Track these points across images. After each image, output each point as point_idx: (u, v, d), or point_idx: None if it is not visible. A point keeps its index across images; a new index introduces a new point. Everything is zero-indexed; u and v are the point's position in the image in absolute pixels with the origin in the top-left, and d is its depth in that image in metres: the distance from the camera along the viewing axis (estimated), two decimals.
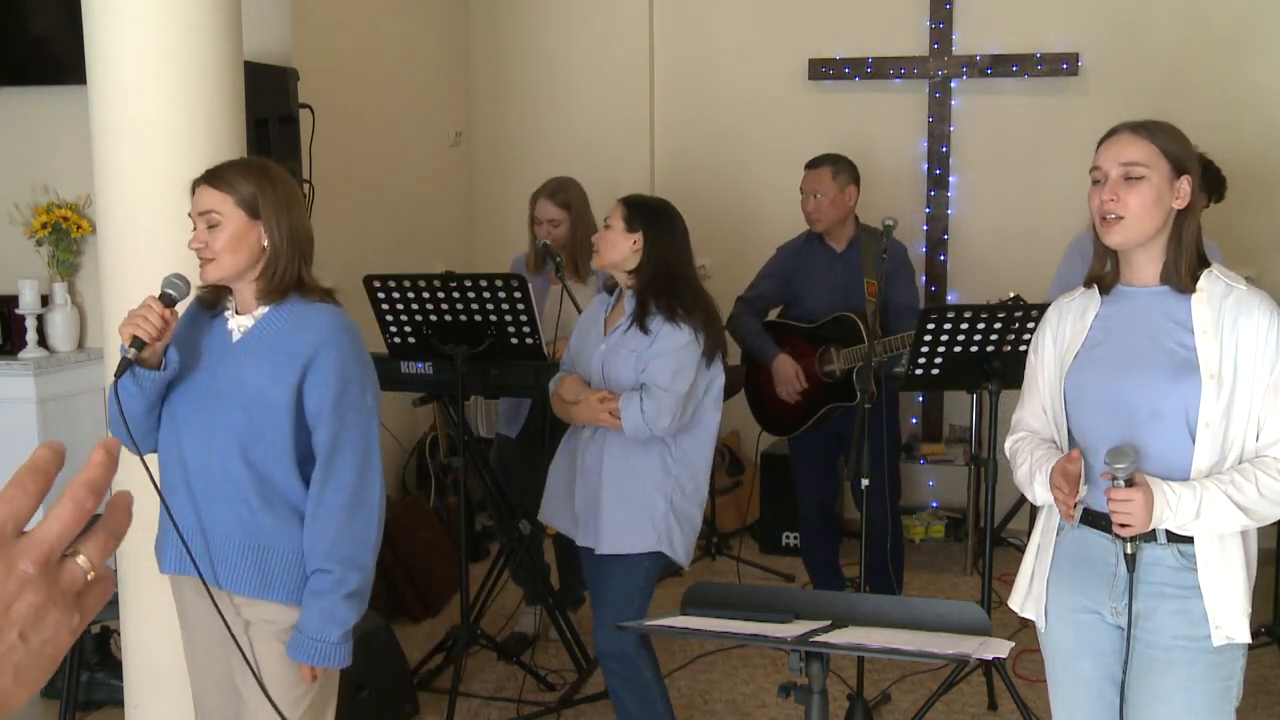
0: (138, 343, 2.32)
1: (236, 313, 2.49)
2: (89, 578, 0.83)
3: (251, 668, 2.44)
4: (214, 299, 2.52)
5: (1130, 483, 2.19)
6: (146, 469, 2.36)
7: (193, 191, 2.45)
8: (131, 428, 2.39)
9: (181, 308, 2.46)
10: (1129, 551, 2.24)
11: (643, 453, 3.16)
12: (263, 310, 2.46)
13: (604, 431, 3.18)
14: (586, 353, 3.30)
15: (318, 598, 2.39)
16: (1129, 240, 2.31)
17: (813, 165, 4.55)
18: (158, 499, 2.42)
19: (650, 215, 3.22)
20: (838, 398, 4.41)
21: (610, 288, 3.37)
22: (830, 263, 4.52)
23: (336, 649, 2.39)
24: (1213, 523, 2.21)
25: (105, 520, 0.85)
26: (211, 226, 2.40)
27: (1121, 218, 2.29)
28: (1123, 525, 2.20)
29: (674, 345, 3.11)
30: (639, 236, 3.19)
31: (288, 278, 2.44)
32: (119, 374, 2.35)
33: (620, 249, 3.19)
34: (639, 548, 3.16)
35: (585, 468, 3.22)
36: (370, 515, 2.43)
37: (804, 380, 4.46)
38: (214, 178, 2.43)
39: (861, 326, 4.32)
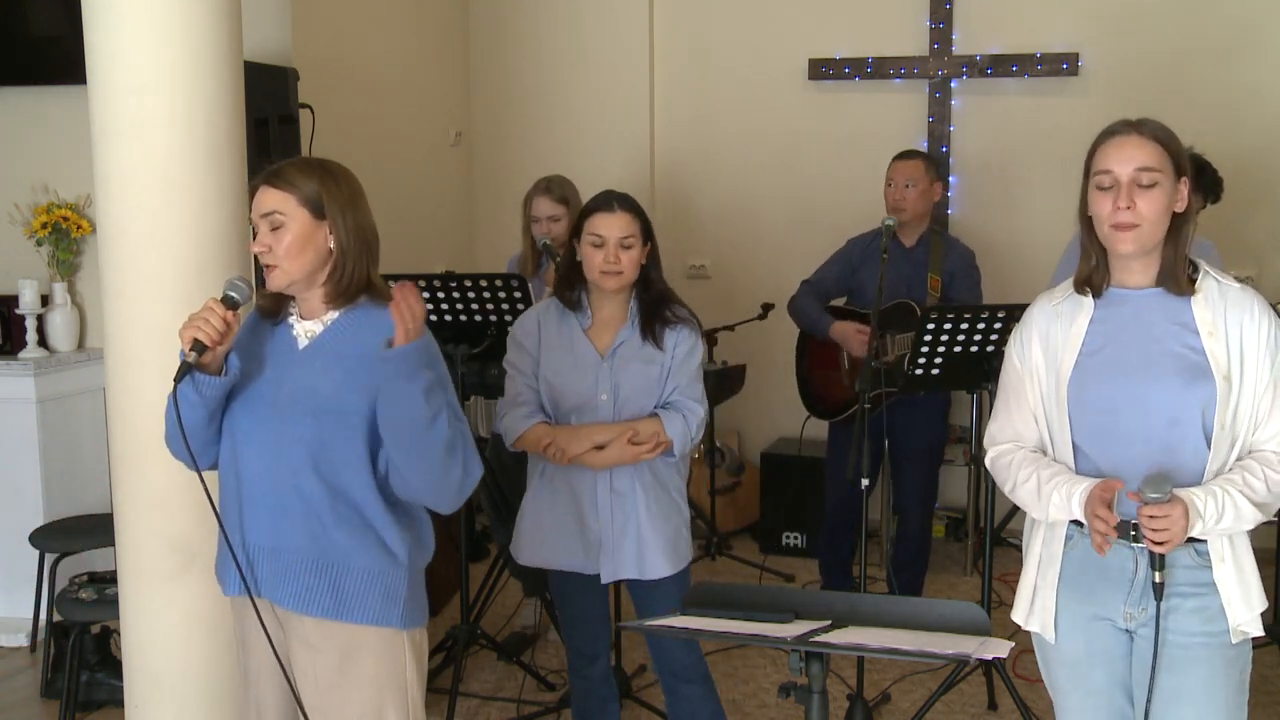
0: (198, 346, 2.18)
1: (301, 318, 2.34)
2: None
3: (295, 692, 2.32)
4: (274, 307, 2.37)
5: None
6: (205, 488, 2.25)
7: (251, 195, 2.32)
8: (190, 439, 2.24)
9: (242, 314, 2.33)
10: (1158, 580, 2.22)
11: (665, 464, 3.02)
12: (333, 315, 2.31)
13: None
14: (580, 377, 2.97)
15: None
16: (1142, 247, 2.27)
17: (906, 157, 4.50)
18: (216, 517, 2.31)
19: (646, 217, 3.01)
20: (889, 384, 4.25)
21: (572, 302, 3.02)
22: (897, 257, 4.41)
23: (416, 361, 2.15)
24: (1233, 524, 2.21)
25: None
26: (275, 229, 2.25)
27: (1136, 225, 2.24)
28: (1158, 544, 2.19)
29: (695, 352, 2.99)
30: (649, 245, 3.00)
31: (356, 279, 2.30)
32: (178, 379, 2.20)
33: (639, 263, 2.97)
34: (686, 560, 3.03)
35: (609, 496, 2.97)
36: (467, 478, 2.23)
37: (865, 336, 4.28)
38: (274, 177, 2.28)
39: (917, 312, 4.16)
